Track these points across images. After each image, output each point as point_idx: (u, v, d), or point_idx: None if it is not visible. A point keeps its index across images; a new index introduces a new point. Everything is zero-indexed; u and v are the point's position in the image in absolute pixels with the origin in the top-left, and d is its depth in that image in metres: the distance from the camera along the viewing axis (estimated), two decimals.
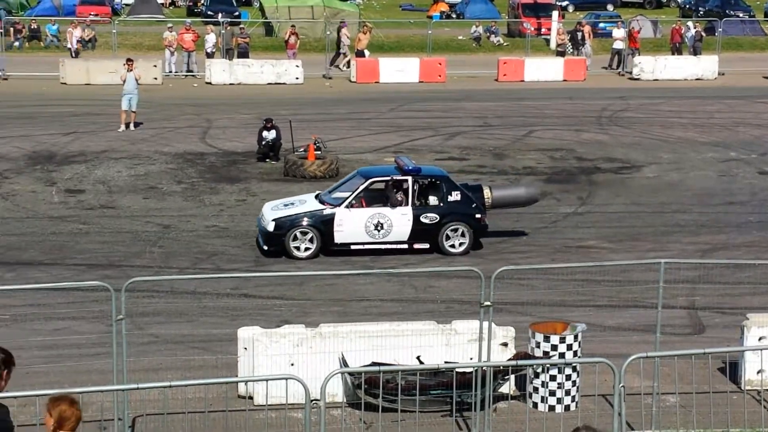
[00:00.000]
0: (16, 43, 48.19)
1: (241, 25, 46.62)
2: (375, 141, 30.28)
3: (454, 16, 62.66)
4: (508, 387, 13.31)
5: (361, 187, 20.24)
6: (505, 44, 52.80)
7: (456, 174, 26.53)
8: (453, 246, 20.21)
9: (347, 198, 20.11)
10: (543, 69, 43.10)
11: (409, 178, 20.39)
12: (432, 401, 12.84)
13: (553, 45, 49.24)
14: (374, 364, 12.76)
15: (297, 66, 41.51)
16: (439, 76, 42.28)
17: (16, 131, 30.62)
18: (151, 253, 20.13)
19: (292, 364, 13.02)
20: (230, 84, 40.55)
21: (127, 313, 12.04)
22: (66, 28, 48.81)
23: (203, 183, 25.61)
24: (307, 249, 19.88)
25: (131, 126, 31.14)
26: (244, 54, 43.08)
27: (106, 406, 11.96)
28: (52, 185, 24.90)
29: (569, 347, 13.35)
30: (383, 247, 20.13)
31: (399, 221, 20.09)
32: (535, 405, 13.21)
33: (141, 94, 31.70)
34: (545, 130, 32.02)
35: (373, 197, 20.44)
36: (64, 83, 39.61)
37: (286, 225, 19.88)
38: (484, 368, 12.24)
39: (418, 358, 13.20)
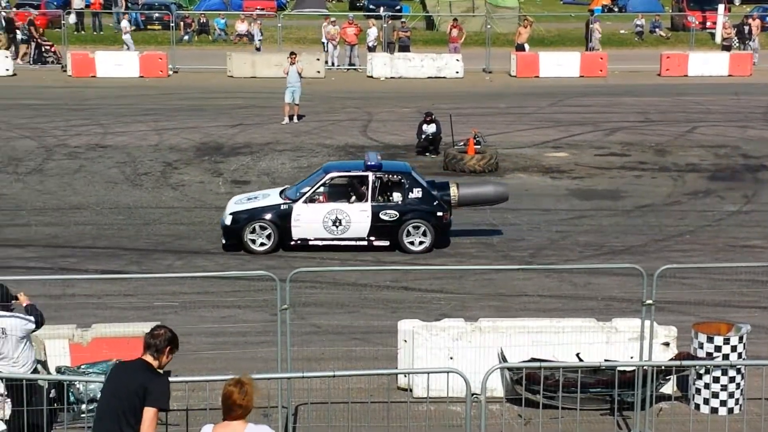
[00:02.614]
0: (186, 37, 49.61)
1: (403, 19, 46.95)
2: (534, 136, 30.15)
3: (616, 9, 61.79)
4: (669, 387, 13.15)
5: (320, 182, 19.97)
6: (668, 38, 51.81)
7: (617, 170, 26.31)
8: (413, 243, 19.81)
9: (305, 193, 19.93)
10: (708, 64, 42.15)
11: (370, 174, 19.98)
12: (591, 399, 12.78)
13: (718, 39, 48.04)
14: (533, 360, 12.77)
15: (457, 60, 41.59)
16: (600, 70, 41.79)
17: (185, 123, 31.58)
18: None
19: (451, 358, 13.12)
20: (391, 77, 40.90)
21: (290, 302, 12.33)
22: (234, 22, 50.08)
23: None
24: (263, 244, 19.67)
25: (294, 118, 31.77)
26: (405, 48, 43.41)
27: (270, 393, 12.26)
28: (219, 176, 25.59)
29: (733, 349, 13.10)
30: (342, 243, 19.80)
31: (357, 217, 19.73)
32: (698, 407, 13.01)
33: (304, 87, 32.28)
34: (709, 127, 31.34)
35: (336, 193, 20.18)
36: (231, 76, 40.62)
37: (242, 219, 19.74)
38: (645, 368, 12.12)
39: (577, 355, 13.14)
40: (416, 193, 19.93)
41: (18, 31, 44.22)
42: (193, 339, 15.23)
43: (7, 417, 9.38)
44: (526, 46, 43.56)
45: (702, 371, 12.91)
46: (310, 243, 19.76)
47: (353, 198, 20.00)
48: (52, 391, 12.31)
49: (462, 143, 26.76)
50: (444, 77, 40.98)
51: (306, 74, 33.66)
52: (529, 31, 44.38)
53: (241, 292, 17.36)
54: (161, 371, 9.15)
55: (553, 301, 17.36)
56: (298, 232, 19.70)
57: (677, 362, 12.74)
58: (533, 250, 20.07)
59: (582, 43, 47.05)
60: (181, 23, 50.25)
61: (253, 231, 19.64)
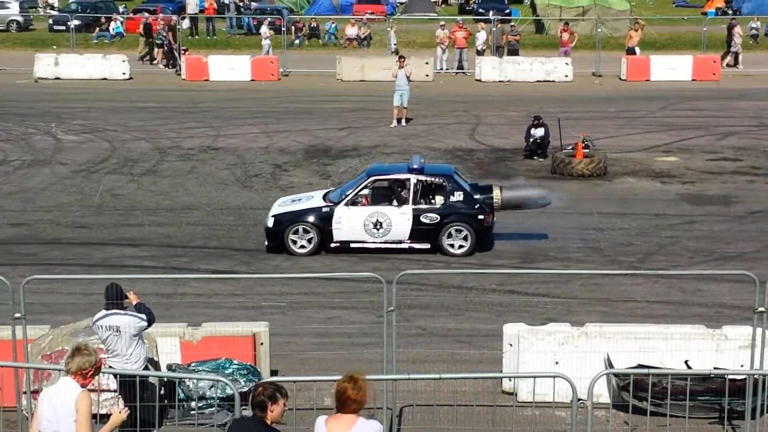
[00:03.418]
0: (297, 41, 50.17)
1: (512, 23, 46.81)
2: (644, 140, 29.79)
3: (730, 12, 60.63)
4: None
5: (362, 185, 19.96)
6: None
7: (729, 175, 25.84)
8: (453, 247, 19.68)
9: (347, 196, 19.91)
10: None
11: (411, 177, 19.89)
12: (699, 407, 12.59)
13: None
14: (640, 366, 12.64)
15: (566, 64, 41.31)
16: (713, 74, 41.10)
17: (295, 126, 31.96)
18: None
19: (557, 363, 13.06)
20: (499, 81, 40.80)
21: (396, 304, 12.41)
22: (344, 26, 50.50)
23: (472, 179, 25.89)
24: (303, 246, 19.71)
25: (402, 121, 31.90)
26: (514, 51, 43.26)
27: (375, 395, 12.35)
28: (327, 178, 25.82)
29: None
30: (383, 246, 19.73)
31: (398, 220, 19.65)
32: None
33: (412, 90, 32.39)
34: None
35: (378, 196, 20.10)
36: (340, 79, 40.96)
37: (284, 221, 19.80)
38: (756, 376, 11.91)
39: (686, 362, 12.96)
40: (457, 196, 19.86)
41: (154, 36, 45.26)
42: (300, 339, 15.44)
43: (120, 412, 9.60)
44: (637, 49, 43.07)
45: None
46: (351, 246, 19.85)
47: (395, 201, 20.03)
48: (162, 388, 12.60)
49: (570, 147, 26.57)
50: (553, 81, 40.75)
51: (414, 78, 33.77)
52: (640, 35, 43.86)
53: (348, 293, 17.50)
54: (276, 425, 9.00)
55: (662, 307, 17.13)
56: (339, 234, 19.80)
57: None
58: (641, 255, 19.84)
59: (695, 47, 46.30)
60: (292, 27, 50.85)
61: (296, 233, 19.79)
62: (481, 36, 44.22)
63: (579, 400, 10.03)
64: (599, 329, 13.41)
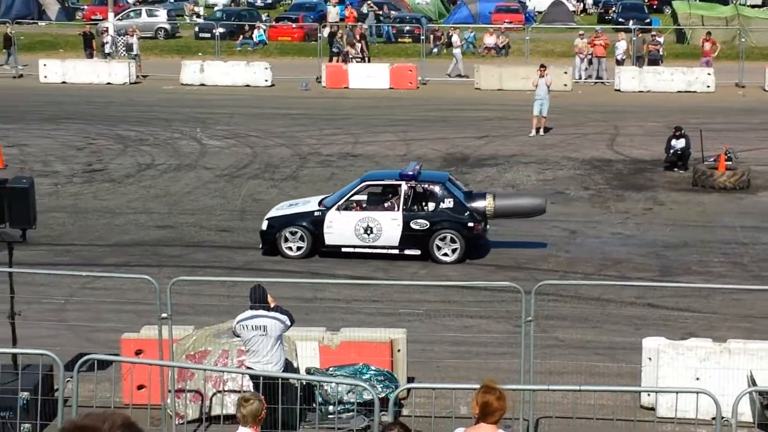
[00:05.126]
0: (435, 50, 50.36)
1: (653, 32, 46.14)
2: None
3: None
4: None
5: (354, 190, 20.06)
6: None
7: None
8: (444, 254, 19.62)
9: (339, 200, 19.97)
10: None
11: (403, 183, 19.85)
12: None
13: None
14: None
15: (709, 74, 40.55)
16: None
17: (432, 134, 32.11)
18: (557, 257, 20.48)
19: (698, 378, 12.86)
20: (639, 91, 40.27)
21: (534, 315, 12.40)
22: (482, 35, 50.48)
23: (610, 190, 25.69)
24: (298, 248, 19.90)
25: (541, 131, 31.77)
26: (654, 61, 42.63)
27: (513, 405, 12.34)
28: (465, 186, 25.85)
29: None
30: (374, 251, 19.72)
31: (389, 226, 19.67)
32: None
33: (551, 100, 32.25)
34: None
35: (371, 202, 20.16)
36: (478, 88, 40.97)
37: (277, 225, 19.97)
38: None
39: None
40: (448, 203, 19.90)
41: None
42: (437, 347, 15.53)
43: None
44: None
45: None
46: (343, 250, 20.00)
47: (386, 206, 20.10)
48: (301, 391, 12.82)
49: (712, 159, 26.09)
50: (694, 91, 40.04)
51: (553, 87, 33.58)
52: None
53: (485, 302, 17.53)
54: None
55: None
56: (330, 238, 20.01)
57: None
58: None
59: None
60: (431, 36, 51.06)
61: (289, 236, 20.07)
62: (621, 45, 43.70)
63: (722, 418, 9.87)
64: (742, 345, 13.16)
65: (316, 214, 20.17)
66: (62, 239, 21.43)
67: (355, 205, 20.28)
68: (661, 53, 43.24)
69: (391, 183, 20.41)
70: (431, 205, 20.10)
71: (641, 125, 33.27)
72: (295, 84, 41.29)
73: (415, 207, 20.12)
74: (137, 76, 43.21)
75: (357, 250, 20.01)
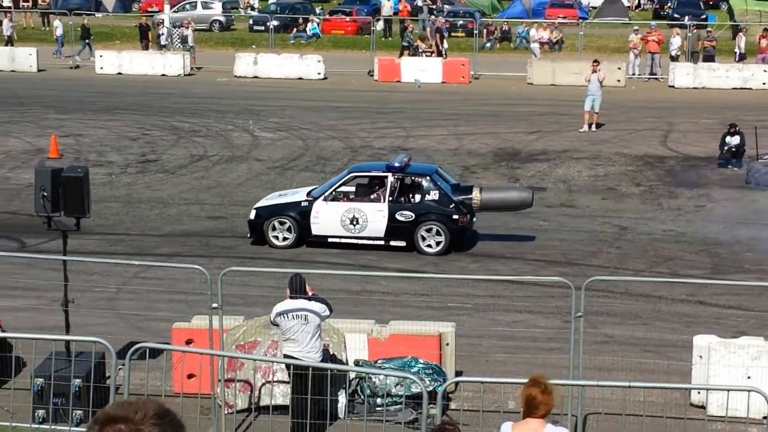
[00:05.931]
0: (488, 44, 50.24)
1: (708, 29, 45.71)
2: None
3: None
4: None
5: (341, 181, 20.17)
6: None
7: None
8: (429, 246, 19.68)
9: (326, 191, 20.04)
10: None
11: (389, 175, 19.91)
12: None
13: None
14: None
15: (765, 71, 40.11)
16: None
17: (484, 128, 32.05)
18: (608, 253, 20.37)
19: (749, 377, 12.76)
20: (693, 88, 39.92)
21: (584, 311, 12.36)
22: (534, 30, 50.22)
23: (662, 186, 25.52)
24: (285, 239, 19.98)
25: (593, 127, 31.59)
26: (710, 57, 42.23)
27: (561, 401, 12.32)
28: (515, 182, 25.82)
29: None
30: (359, 242, 19.78)
31: (374, 217, 19.74)
32: None
33: (604, 95, 32.05)
34: None
35: (358, 193, 20.24)
36: (531, 83, 40.81)
37: (264, 215, 20.08)
38: None
39: None
40: (433, 195, 19.93)
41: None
42: (485, 341, 15.53)
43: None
44: None
45: None
46: (329, 240, 20.08)
47: (373, 198, 20.15)
48: (350, 383, 12.89)
49: (767, 156, 25.82)
50: (749, 88, 39.61)
51: (606, 83, 33.39)
52: None
53: (534, 297, 17.50)
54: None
55: None
56: (317, 228, 20.12)
57: None
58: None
59: None
60: (484, 30, 50.94)
61: (278, 225, 20.17)
62: (676, 41, 43.32)
63: None
64: None
65: (303, 204, 20.35)
66: (115, 229, 21.67)
67: (342, 196, 20.43)
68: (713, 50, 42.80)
69: (378, 174, 20.59)
70: (417, 197, 20.23)
71: (695, 122, 32.99)
72: (350, 76, 41.31)
73: (402, 199, 20.25)
74: (192, 68, 43.53)
75: (343, 240, 20.18)
